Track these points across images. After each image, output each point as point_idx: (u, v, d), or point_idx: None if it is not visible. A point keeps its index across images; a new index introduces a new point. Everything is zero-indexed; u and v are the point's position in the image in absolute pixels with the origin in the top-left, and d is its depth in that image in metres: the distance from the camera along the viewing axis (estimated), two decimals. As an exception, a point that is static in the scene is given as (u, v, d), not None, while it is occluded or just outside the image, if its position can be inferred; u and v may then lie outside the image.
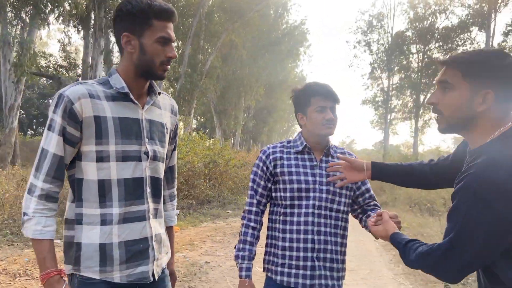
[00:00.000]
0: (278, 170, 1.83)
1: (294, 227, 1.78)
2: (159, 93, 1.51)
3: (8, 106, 12.64)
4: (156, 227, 1.46)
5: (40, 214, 1.27)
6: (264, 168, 1.86)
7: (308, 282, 1.74)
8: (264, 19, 27.28)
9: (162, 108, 1.53)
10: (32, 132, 31.39)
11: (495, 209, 1.02)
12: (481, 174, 1.04)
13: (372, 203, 1.92)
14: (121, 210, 1.35)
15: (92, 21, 14.33)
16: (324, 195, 1.78)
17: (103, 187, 1.34)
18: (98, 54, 14.06)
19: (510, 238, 1.04)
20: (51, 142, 1.29)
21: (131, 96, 1.38)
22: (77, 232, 1.35)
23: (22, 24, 13.69)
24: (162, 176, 1.51)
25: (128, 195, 1.37)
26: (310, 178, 1.80)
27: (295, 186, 1.79)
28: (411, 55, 27.44)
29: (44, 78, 24.12)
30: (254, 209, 1.88)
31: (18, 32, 14.28)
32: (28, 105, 27.81)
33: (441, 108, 1.22)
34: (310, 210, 1.77)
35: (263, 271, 1.92)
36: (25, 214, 1.27)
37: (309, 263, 1.75)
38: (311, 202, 1.77)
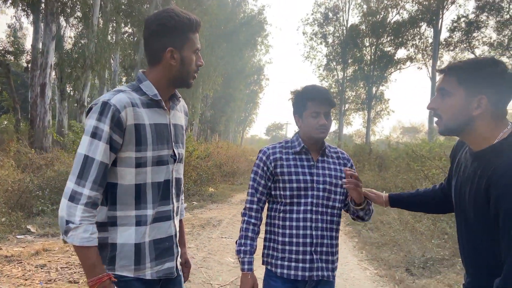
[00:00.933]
0: (278, 170, 1.93)
1: (294, 223, 1.90)
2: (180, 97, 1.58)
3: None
4: (177, 225, 1.55)
5: (87, 221, 1.27)
6: (265, 168, 1.95)
7: (307, 274, 1.87)
8: (222, 8, 27.03)
9: (179, 110, 1.60)
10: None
11: None
12: None
13: None
14: (154, 211, 1.42)
15: (43, 5, 13.51)
16: (321, 193, 1.91)
17: (140, 190, 1.38)
18: (49, 40, 13.30)
19: None
20: (97, 150, 1.30)
21: (163, 103, 1.43)
22: (111, 233, 1.39)
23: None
24: (182, 176, 1.59)
25: (159, 197, 1.43)
26: (308, 177, 1.92)
27: (295, 185, 1.90)
28: (364, 48, 28.38)
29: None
30: (254, 206, 1.98)
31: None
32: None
33: (440, 112, 1.34)
34: (308, 207, 1.90)
35: (262, 264, 2.02)
36: (69, 222, 1.26)
37: (308, 257, 1.88)
38: (309, 200, 1.90)
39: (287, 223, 1.91)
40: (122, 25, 20.49)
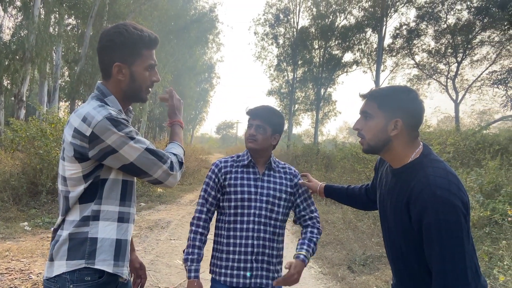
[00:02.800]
0: (227, 182, 2.05)
1: (238, 233, 2.01)
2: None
3: None
4: None
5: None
6: (216, 180, 2.07)
7: (247, 281, 1.99)
8: (172, 3, 26.55)
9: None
10: None
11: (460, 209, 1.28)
12: (435, 188, 1.30)
13: (307, 216, 2.18)
14: (133, 210, 1.52)
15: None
16: (264, 205, 2.03)
17: (126, 187, 1.47)
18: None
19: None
20: (143, 140, 1.46)
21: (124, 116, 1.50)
22: (92, 228, 1.41)
23: None
24: None
25: (134, 197, 1.55)
26: (252, 189, 2.04)
27: (239, 196, 2.02)
28: (313, 50, 29.12)
29: None
30: (203, 216, 2.07)
31: None
32: None
33: (364, 132, 1.52)
34: (251, 218, 2.01)
35: (209, 272, 2.11)
36: (179, 163, 1.55)
37: (248, 265, 1.99)
38: (252, 211, 2.01)
39: (231, 233, 2.03)
40: (66, 16, 19.52)
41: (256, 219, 2.00)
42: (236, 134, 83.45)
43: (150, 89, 1.53)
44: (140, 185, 10.52)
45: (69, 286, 1.36)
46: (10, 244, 5.39)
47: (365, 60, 26.34)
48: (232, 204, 2.03)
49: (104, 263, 1.40)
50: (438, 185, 1.30)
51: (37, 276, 4.24)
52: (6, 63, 14.22)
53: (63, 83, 21.23)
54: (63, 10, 17.79)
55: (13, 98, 16.31)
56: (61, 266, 1.38)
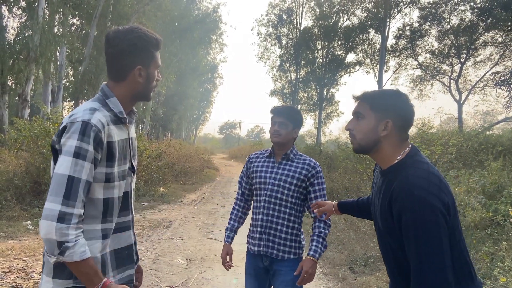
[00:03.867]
0: (251, 170, 2.58)
1: (255, 210, 2.52)
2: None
3: None
4: (135, 233, 1.64)
5: (80, 237, 1.30)
6: (245, 168, 2.66)
7: (256, 248, 2.47)
8: (176, 4, 26.63)
9: (133, 123, 1.65)
10: None
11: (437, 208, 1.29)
12: (413, 187, 1.32)
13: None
14: (116, 223, 1.48)
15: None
16: (275, 188, 2.43)
17: (107, 204, 1.44)
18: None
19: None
20: (82, 170, 1.31)
21: (126, 120, 1.50)
22: None
23: None
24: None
25: (121, 208, 1.51)
26: (268, 174, 2.48)
27: (257, 180, 2.51)
28: (316, 51, 29.11)
29: None
30: (239, 197, 2.71)
31: None
32: None
33: (355, 133, 1.57)
34: (263, 198, 2.46)
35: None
36: (64, 243, 1.26)
37: (257, 235, 2.46)
38: (263, 192, 2.47)
39: (253, 210, 2.55)
40: (70, 17, 19.60)
41: (267, 198, 2.43)
42: (239, 134, 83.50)
43: (154, 88, 1.58)
44: (142, 184, 10.56)
45: None
46: (13, 243, 5.43)
47: (368, 60, 26.31)
48: (254, 187, 2.54)
49: None
50: (416, 184, 1.33)
51: (39, 275, 4.27)
52: (11, 63, 14.31)
53: (67, 83, 21.32)
54: (68, 10, 17.89)
55: (17, 98, 16.42)
56: (48, 283, 1.39)
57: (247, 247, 2.56)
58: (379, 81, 23.56)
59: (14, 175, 7.57)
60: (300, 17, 29.16)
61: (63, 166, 1.30)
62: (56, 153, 1.37)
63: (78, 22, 22.10)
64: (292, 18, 29.26)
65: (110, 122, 1.43)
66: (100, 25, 19.86)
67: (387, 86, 24.18)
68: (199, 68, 35.43)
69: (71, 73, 22.52)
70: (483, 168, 7.32)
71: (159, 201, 10.04)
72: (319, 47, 28.75)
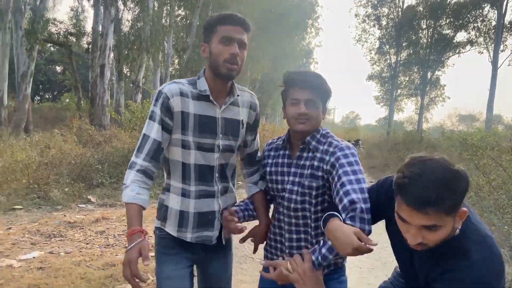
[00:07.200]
0: (265, 169, 1.84)
1: (274, 222, 1.82)
2: (238, 95, 1.71)
3: (20, 73, 12.75)
4: (226, 201, 1.76)
5: (136, 184, 1.53)
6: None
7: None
8: (273, -10, 26.84)
9: (241, 105, 1.75)
10: (39, 98, 31.44)
11: None
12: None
13: (341, 204, 1.49)
14: (196, 188, 1.66)
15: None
16: (293, 196, 1.69)
17: (184, 168, 1.65)
18: (108, 23, 14.01)
19: None
20: (152, 129, 1.58)
21: (211, 98, 1.63)
22: (166, 197, 1.71)
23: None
24: (232, 162, 1.77)
25: (201, 177, 1.66)
26: (285, 178, 1.72)
27: (273, 185, 1.77)
28: (420, 31, 27.13)
29: (50, 44, 24.01)
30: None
31: (29, -2, 14.21)
32: (35, 71, 27.64)
33: (429, 243, 1.24)
34: (280, 209, 1.75)
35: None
36: (124, 184, 1.54)
37: (275, 257, 1.78)
38: (279, 200, 1.75)
39: (273, 221, 1.86)
40: (176, 8, 21.01)
41: (285, 211, 1.70)
42: (333, 120, 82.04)
43: (229, 64, 1.54)
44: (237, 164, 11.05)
45: (156, 234, 1.75)
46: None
47: (481, 39, 23.80)
48: (269, 192, 1.82)
49: (170, 227, 1.68)
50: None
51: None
52: (126, 52, 15.94)
53: (173, 71, 23.02)
54: (174, 2, 19.21)
55: (131, 84, 18.25)
56: (155, 221, 1.77)
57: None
58: (494, 62, 21.18)
59: (128, 152, 8.52)
60: (403, -5, 27.35)
61: (144, 126, 1.61)
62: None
63: (183, 13, 23.58)
64: (394, -4, 27.58)
65: (190, 96, 1.61)
66: (202, 15, 20.96)
67: (503, 67, 21.62)
68: (294, 54, 35.45)
69: (176, 61, 24.19)
70: None
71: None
72: (424, 26, 26.77)
